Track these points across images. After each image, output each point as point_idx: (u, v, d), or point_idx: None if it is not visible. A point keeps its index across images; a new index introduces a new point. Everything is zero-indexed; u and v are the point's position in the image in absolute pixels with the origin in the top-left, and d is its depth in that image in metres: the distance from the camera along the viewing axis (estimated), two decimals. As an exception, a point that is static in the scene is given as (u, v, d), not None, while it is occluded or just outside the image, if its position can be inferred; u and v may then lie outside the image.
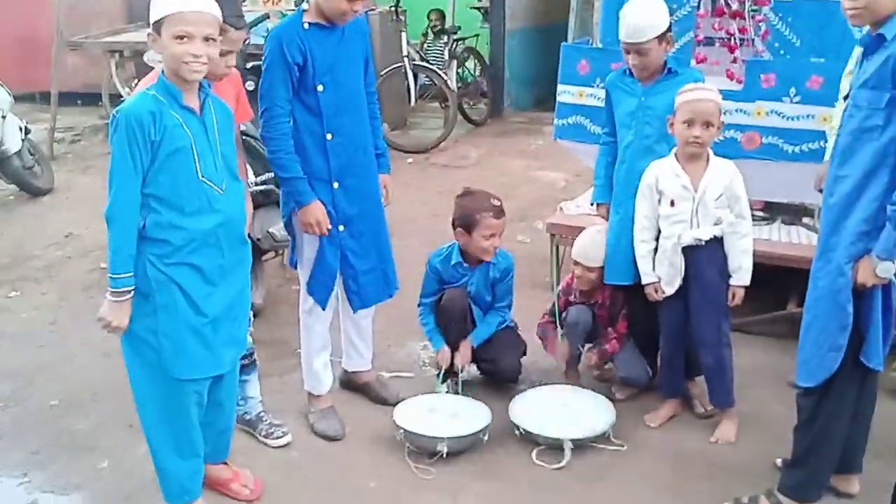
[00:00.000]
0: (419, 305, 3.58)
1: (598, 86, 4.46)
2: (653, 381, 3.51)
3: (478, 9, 9.40)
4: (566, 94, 4.65)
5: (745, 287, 3.15)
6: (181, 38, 2.28)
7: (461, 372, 3.47)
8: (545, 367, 3.69)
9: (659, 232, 3.20)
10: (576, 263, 3.49)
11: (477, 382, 3.63)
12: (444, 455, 3.00)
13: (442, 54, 8.36)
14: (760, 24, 4.21)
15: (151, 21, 2.33)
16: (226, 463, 2.81)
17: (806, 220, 4.34)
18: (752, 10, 4.18)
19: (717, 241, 3.11)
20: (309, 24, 2.97)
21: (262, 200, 4.00)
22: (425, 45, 8.71)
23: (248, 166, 3.95)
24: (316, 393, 3.30)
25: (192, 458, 2.57)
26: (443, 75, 7.64)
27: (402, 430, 3.06)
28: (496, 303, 3.57)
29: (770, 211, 4.56)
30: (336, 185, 3.09)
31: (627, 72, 3.32)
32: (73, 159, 7.69)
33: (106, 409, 3.46)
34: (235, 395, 2.76)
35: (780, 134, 4.10)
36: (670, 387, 3.37)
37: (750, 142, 4.21)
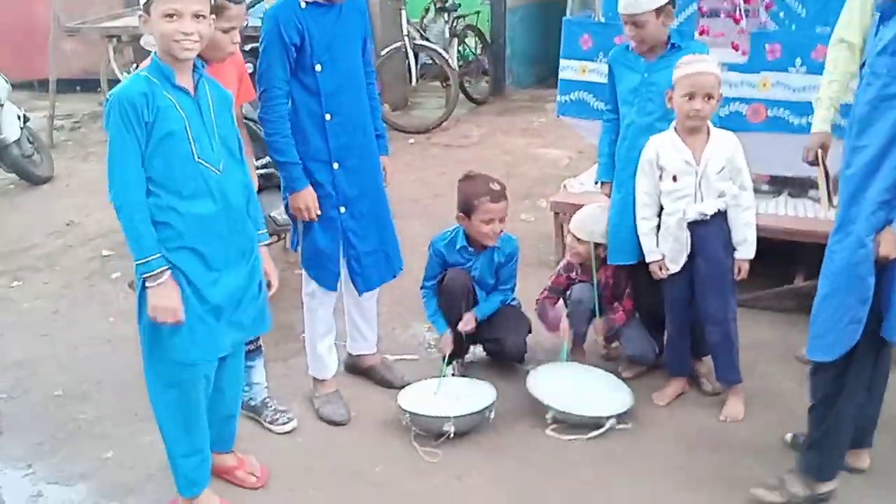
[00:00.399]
0: (422, 288, 3.55)
1: (600, 60, 4.39)
2: (659, 359, 3.47)
3: (478, -15, 9.30)
4: (568, 69, 4.58)
5: (750, 260, 3.12)
6: (170, 16, 2.24)
7: (466, 354, 3.43)
8: (550, 347, 3.66)
9: (661, 208, 3.15)
10: (572, 237, 3.47)
11: (482, 364, 3.61)
12: (451, 436, 2.98)
13: (442, 32, 8.27)
14: (765, -7, 4.13)
15: (142, 2, 2.29)
16: (231, 451, 2.79)
17: (812, 192, 4.29)
18: (757, -20, 4.11)
19: (721, 215, 3.07)
20: (306, 2, 2.92)
21: (263, 184, 3.95)
22: (425, 23, 8.62)
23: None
24: (320, 377, 3.28)
25: (201, 448, 2.55)
26: (443, 54, 7.56)
27: (407, 414, 3.04)
28: (499, 285, 3.53)
29: (776, 184, 4.51)
30: (336, 165, 3.05)
31: (630, 47, 3.26)
32: (72, 147, 7.65)
33: (110, 399, 3.44)
34: (240, 381, 2.73)
35: (786, 106, 4.04)
36: (677, 365, 3.34)
37: (755, 114, 4.15)
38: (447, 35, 8.20)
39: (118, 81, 7.44)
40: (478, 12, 8.93)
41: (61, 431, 3.24)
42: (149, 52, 2.55)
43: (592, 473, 2.85)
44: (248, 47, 5.68)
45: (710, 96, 2.97)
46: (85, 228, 5.46)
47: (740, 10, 4.14)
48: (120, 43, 7.82)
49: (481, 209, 3.32)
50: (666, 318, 3.31)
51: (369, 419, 3.20)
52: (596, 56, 4.43)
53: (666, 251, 3.15)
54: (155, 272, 2.30)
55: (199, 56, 2.37)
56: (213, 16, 2.38)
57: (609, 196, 3.43)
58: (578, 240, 3.43)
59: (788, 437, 2.96)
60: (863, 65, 2.55)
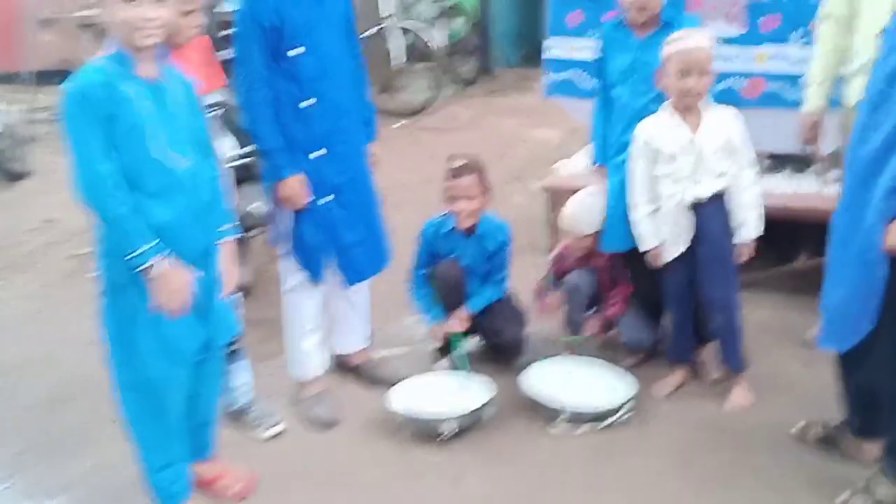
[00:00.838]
0: (411, 277, 3.42)
1: (589, 38, 4.25)
2: (658, 347, 3.35)
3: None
4: (555, 48, 4.43)
5: (752, 242, 3.00)
6: (129, 0, 2.08)
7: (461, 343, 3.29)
8: (546, 336, 3.54)
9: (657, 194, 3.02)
10: (565, 233, 3.31)
11: (477, 356, 3.47)
12: (448, 436, 2.85)
13: (427, 12, 8.08)
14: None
15: None
16: (212, 459, 2.65)
17: (813, 168, 4.16)
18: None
19: (721, 196, 2.94)
20: None
21: (241, 176, 3.80)
22: (410, 3, 8.42)
23: (224, 142, 3.77)
24: (305, 378, 3.14)
25: (178, 459, 2.41)
26: (428, 34, 7.38)
27: (400, 416, 2.91)
28: (491, 274, 3.40)
29: (776, 161, 4.37)
30: (321, 153, 2.91)
31: (625, 20, 3.11)
32: (52, 140, 7.44)
33: (92, 404, 3.29)
34: (217, 386, 2.59)
35: (785, 79, 3.91)
36: (679, 354, 3.21)
37: (753, 89, 4.01)
38: (433, 15, 8.01)
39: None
40: (464, -9, 8.74)
41: (43, 440, 3.10)
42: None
43: (594, 475, 2.72)
44: (223, 33, 5.51)
45: (703, 72, 2.82)
46: (65, 225, 5.29)
47: (735, -21, 3.98)
48: (97, 32, 7.61)
49: (446, 187, 3.24)
50: (666, 305, 3.18)
51: (359, 420, 3.06)
52: (584, 33, 4.28)
53: (665, 236, 3.01)
54: (157, 259, 2.15)
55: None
56: None
57: (606, 179, 3.28)
58: (581, 237, 3.29)
59: (796, 429, 2.84)
60: (881, 32, 2.40)
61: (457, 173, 3.23)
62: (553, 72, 4.46)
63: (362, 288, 3.25)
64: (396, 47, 7.41)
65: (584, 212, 3.29)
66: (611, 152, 3.19)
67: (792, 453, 2.74)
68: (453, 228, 3.32)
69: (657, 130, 2.94)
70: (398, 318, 3.86)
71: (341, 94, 2.95)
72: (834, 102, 3.25)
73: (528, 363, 3.23)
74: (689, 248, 2.99)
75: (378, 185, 3.20)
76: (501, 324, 3.34)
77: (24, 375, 3.58)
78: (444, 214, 3.35)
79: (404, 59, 7.61)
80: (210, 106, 3.74)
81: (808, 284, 3.87)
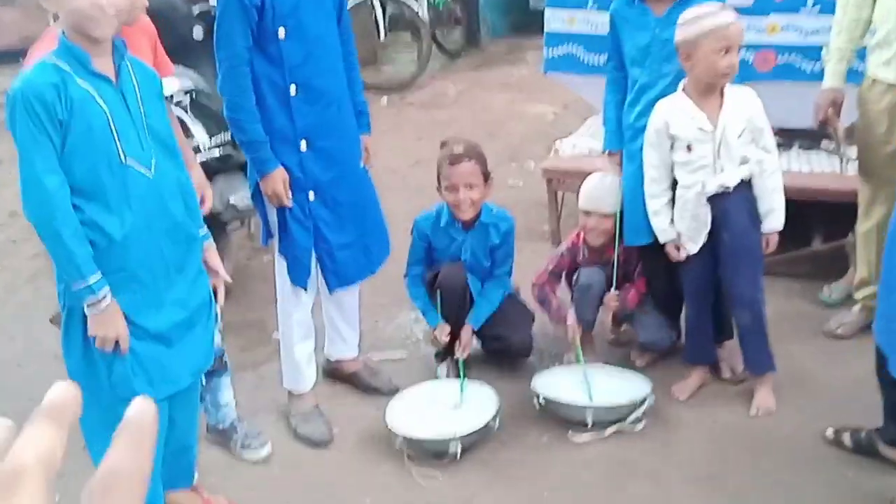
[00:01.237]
0: (406, 276, 3.16)
1: (591, 8, 3.98)
2: (676, 345, 3.12)
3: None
4: (555, 20, 4.15)
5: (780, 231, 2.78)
6: None
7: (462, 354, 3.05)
8: (553, 334, 3.29)
9: (674, 182, 2.77)
10: (587, 213, 3.05)
11: (479, 360, 3.23)
12: (458, 456, 2.60)
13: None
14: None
15: None
16: (194, 488, 2.40)
17: (825, 143, 3.92)
18: None
19: (745, 183, 2.70)
20: None
21: (220, 166, 3.52)
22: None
23: (197, 130, 3.48)
24: (297, 391, 2.88)
25: (153, 497, 2.14)
26: (413, 4, 7.04)
27: (400, 438, 2.66)
28: (495, 269, 3.13)
29: (785, 137, 4.13)
30: (304, 146, 2.64)
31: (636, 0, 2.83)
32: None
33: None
34: (195, 409, 2.32)
35: (797, 51, 3.66)
36: (698, 354, 2.98)
37: (763, 62, 3.76)
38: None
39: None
40: (447, -43, 8.37)
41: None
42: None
43: (612, 490, 2.49)
44: (197, 9, 5.18)
45: (737, 49, 2.59)
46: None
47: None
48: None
49: (443, 175, 2.97)
50: (685, 302, 2.95)
51: (354, 436, 2.81)
52: (585, 4, 4.00)
53: (683, 229, 2.77)
54: (98, 297, 1.90)
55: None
56: None
57: (619, 166, 3.02)
58: (603, 215, 3.01)
59: (830, 432, 2.63)
60: None
61: (455, 160, 2.95)
62: (551, 46, 4.18)
63: (352, 293, 2.99)
64: (379, 19, 7.08)
65: (604, 188, 3.04)
66: (626, 138, 2.93)
67: (826, 464, 2.52)
68: (452, 221, 3.06)
69: (673, 115, 2.69)
70: (395, 316, 3.60)
71: (329, 82, 2.67)
72: (851, 76, 3.04)
73: (534, 367, 2.99)
74: (709, 242, 2.75)
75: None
76: (508, 330, 3.09)
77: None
78: (441, 205, 3.09)
79: (388, 29, 7.28)
80: (178, 93, 3.49)
81: (824, 269, 3.69)
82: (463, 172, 2.94)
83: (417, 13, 7.03)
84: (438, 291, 3.00)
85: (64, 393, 0.49)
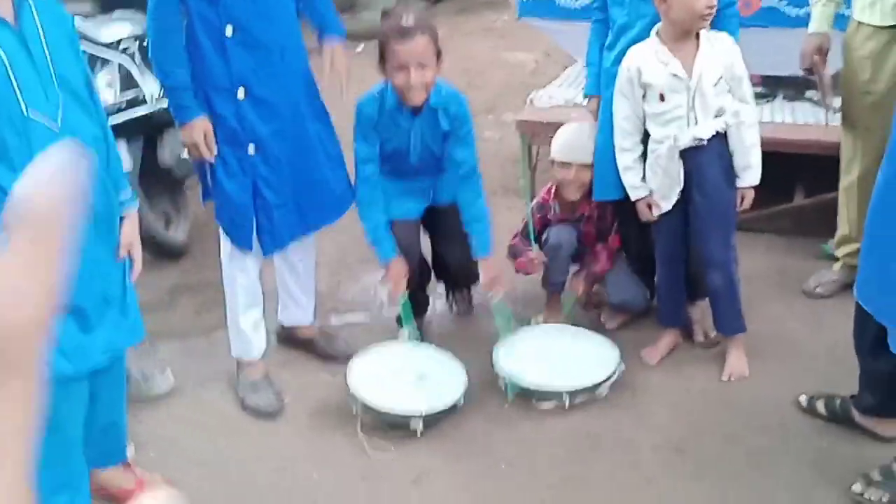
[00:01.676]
0: (358, 178, 2.76)
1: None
2: (649, 305, 2.98)
3: None
4: (528, -39, 3.93)
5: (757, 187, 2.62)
6: None
7: (426, 311, 2.86)
8: (523, 296, 3.15)
9: (646, 135, 2.59)
10: (564, 165, 2.87)
11: (440, 323, 3.10)
12: (419, 433, 2.47)
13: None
14: None
15: None
16: (126, 466, 2.26)
17: (810, 93, 3.74)
18: None
19: (720, 137, 2.53)
20: None
21: (170, 119, 3.33)
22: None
23: (145, 80, 3.29)
24: (246, 359, 2.74)
25: (72, 483, 1.99)
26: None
27: (360, 404, 2.51)
28: (458, 168, 2.77)
29: (769, 86, 3.95)
30: (241, 94, 2.45)
31: None
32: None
33: None
34: (119, 386, 2.15)
35: (784, -6, 3.46)
36: (670, 315, 2.84)
37: (746, 7, 3.53)
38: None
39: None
40: None
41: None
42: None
43: (576, 466, 2.36)
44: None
45: None
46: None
47: None
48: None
49: (389, 52, 2.57)
50: (657, 262, 2.80)
51: (307, 407, 2.67)
52: (560, -57, 3.78)
53: (655, 187, 2.61)
54: None
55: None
56: None
57: (595, 114, 2.82)
58: (582, 166, 2.83)
59: (804, 399, 2.50)
60: None
61: (405, 34, 2.53)
62: (526, -12, 3.97)
63: (306, 254, 2.83)
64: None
65: (581, 137, 2.86)
66: (604, 82, 2.73)
67: (799, 432, 2.40)
68: (398, 106, 2.66)
69: (646, 62, 2.50)
70: (359, 277, 3.46)
71: (270, 25, 2.46)
72: (838, 21, 2.86)
73: (498, 333, 2.83)
74: (682, 199, 2.60)
75: (335, 121, 2.73)
76: (452, 247, 2.86)
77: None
78: (382, 86, 2.67)
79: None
80: (127, 40, 3.29)
81: (806, 224, 3.54)
82: (414, 50, 2.53)
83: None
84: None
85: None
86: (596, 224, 2.95)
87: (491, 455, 2.41)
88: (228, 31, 2.40)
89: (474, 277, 2.95)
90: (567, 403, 2.55)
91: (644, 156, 2.61)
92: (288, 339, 2.97)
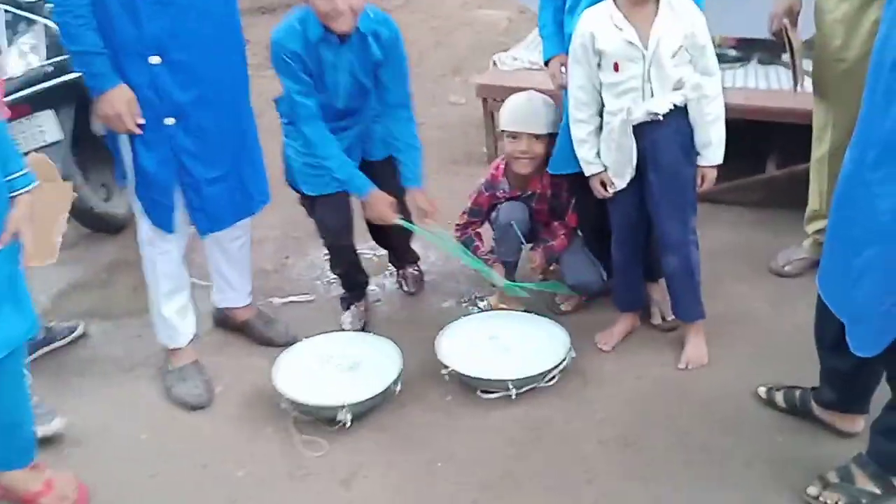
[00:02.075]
0: (299, 118, 2.46)
1: None
2: (607, 286, 2.82)
3: None
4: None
5: (715, 169, 2.43)
6: None
7: (364, 293, 2.70)
8: (473, 276, 2.99)
9: (603, 107, 2.41)
10: (514, 137, 2.68)
11: (382, 309, 2.94)
12: (347, 425, 2.31)
13: None
14: None
15: None
16: (34, 467, 2.09)
17: (786, 57, 3.55)
18: None
19: (679, 111, 2.34)
20: None
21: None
22: None
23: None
24: (173, 346, 2.58)
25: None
26: None
27: (285, 399, 2.37)
28: (391, 103, 2.56)
29: (743, 49, 3.76)
30: (156, 59, 2.24)
31: None
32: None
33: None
34: (17, 383, 1.96)
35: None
36: (626, 299, 2.69)
37: (721, -36, 3.34)
38: None
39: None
40: None
41: None
42: None
43: (515, 462, 2.21)
44: None
45: None
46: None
47: None
48: None
49: None
50: (612, 243, 2.63)
51: (238, 397, 2.51)
52: None
53: (609, 163, 2.43)
54: None
55: None
56: None
57: (564, 69, 2.57)
58: (534, 136, 2.65)
59: (762, 391, 2.36)
60: None
61: None
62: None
63: (240, 235, 2.65)
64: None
65: (530, 104, 2.67)
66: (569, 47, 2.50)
67: (756, 426, 2.26)
68: (324, 34, 2.40)
69: (600, 28, 2.30)
70: (307, 252, 3.29)
71: None
72: None
73: (444, 315, 2.68)
74: (639, 177, 2.42)
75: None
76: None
77: None
78: (302, 13, 2.41)
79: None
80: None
81: (777, 196, 3.37)
82: None
83: None
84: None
85: None
86: (549, 202, 2.78)
87: (429, 450, 2.27)
88: None
89: (415, 255, 2.80)
90: (513, 394, 2.41)
91: (601, 128, 2.43)
92: (224, 321, 2.81)
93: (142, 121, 2.26)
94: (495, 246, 2.80)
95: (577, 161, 2.51)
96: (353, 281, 2.80)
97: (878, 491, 1.96)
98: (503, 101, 3.64)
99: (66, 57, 3.08)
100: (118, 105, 2.22)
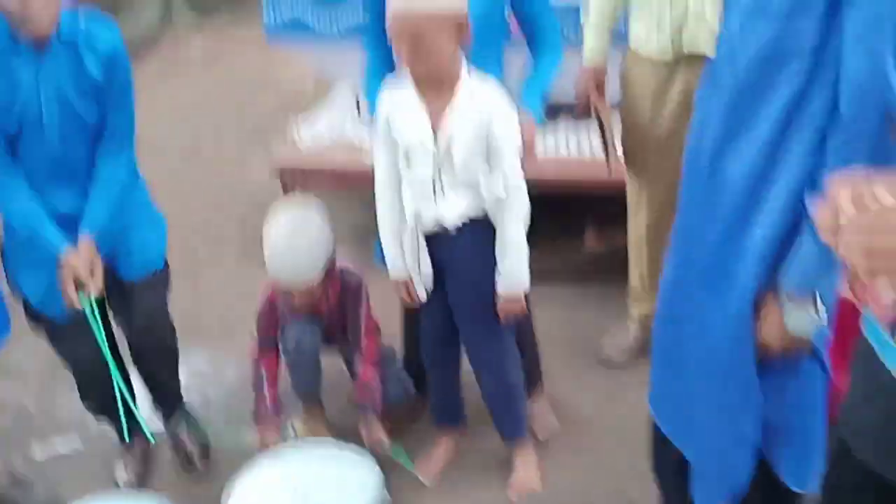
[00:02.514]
0: None
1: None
2: (419, 401, 2.48)
3: None
4: (272, -27, 3.35)
5: (522, 294, 2.06)
6: None
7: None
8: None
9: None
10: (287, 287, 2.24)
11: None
12: None
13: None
14: None
15: None
16: None
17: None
18: None
19: (479, 218, 2.00)
20: None
21: None
22: None
23: None
24: None
25: None
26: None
27: None
28: (104, 137, 1.99)
29: (550, 114, 3.54)
30: None
31: None
32: None
33: None
34: None
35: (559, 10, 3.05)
36: (444, 415, 2.37)
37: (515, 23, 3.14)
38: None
39: None
40: None
41: None
42: None
43: None
44: None
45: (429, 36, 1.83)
46: None
47: None
48: None
49: None
50: (421, 351, 2.30)
51: None
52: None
53: (409, 264, 2.09)
54: None
55: None
56: None
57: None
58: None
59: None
60: None
61: None
62: (272, 8, 3.38)
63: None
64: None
65: (298, 251, 2.18)
66: None
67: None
68: (11, 40, 1.85)
69: (396, 110, 1.97)
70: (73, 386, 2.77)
71: None
72: (617, 37, 2.46)
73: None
74: (440, 287, 2.11)
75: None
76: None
77: None
78: None
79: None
80: None
81: (600, 269, 3.17)
82: None
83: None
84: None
85: None
86: (340, 315, 2.37)
87: None
88: None
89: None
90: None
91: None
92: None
93: None
94: (290, 375, 2.40)
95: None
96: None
97: None
98: (308, 183, 3.33)
99: None
100: None
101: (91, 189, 2.01)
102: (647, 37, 2.32)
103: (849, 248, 0.83)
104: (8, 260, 2.10)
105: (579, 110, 2.53)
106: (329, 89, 3.93)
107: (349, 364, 2.45)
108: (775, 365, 1.43)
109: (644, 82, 2.38)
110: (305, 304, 2.27)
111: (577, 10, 2.85)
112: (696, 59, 2.19)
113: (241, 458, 2.30)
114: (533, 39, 2.24)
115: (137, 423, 2.12)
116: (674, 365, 1.66)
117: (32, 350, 2.72)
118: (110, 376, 2.03)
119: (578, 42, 2.71)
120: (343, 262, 2.36)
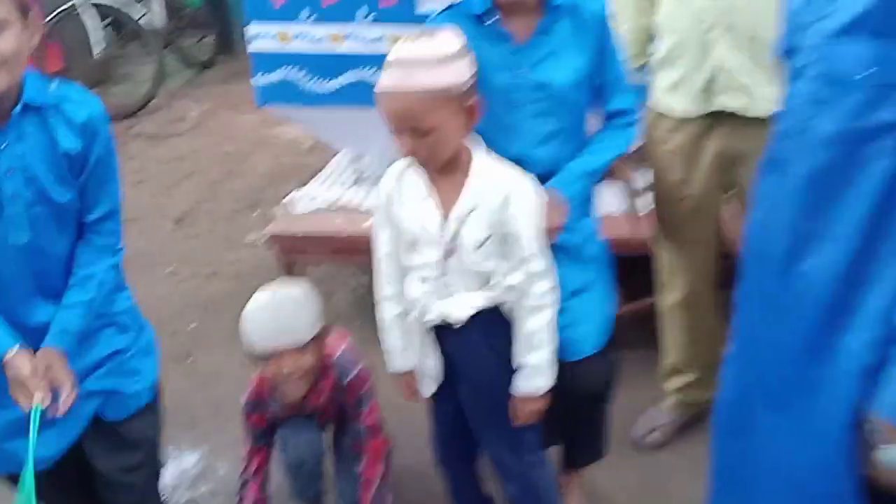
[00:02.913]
0: None
1: (306, 20, 3.03)
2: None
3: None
4: (261, 38, 3.16)
5: (542, 395, 1.76)
6: None
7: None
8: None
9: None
10: (266, 360, 1.97)
11: None
12: None
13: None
14: None
15: None
16: None
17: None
18: None
19: (492, 311, 1.73)
20: None
21: None
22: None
23: None
24: None
25: None
26: (133, 11, 5.82)
27: None
28: (86, 220, 1.65)
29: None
30: None
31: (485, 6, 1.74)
32: None
33: None
34: None
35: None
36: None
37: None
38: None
39: None
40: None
41: None
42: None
43: None
44: None
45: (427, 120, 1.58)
46: None
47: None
48: None
49: None
50: (434, 451, 2.03)
51: None
52: (296, 14, 3.05)
53: (416, 358, 1.83)
54: None
55: None
56: None
57: None
58: (298, 350, 1.95)
59: None
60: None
61: None
62: (263, 72, 3.18)
63: None
64: (94, 30, 5.80)
65: (283, 311, 1.95)
66: None
67: None
68: None
69: (400, 191, 1.73)
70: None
71: None
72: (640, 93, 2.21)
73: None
74: (450, 385, 1.84)
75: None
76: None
77: None
78: None
79: (104, 45, 6.00)
80: None
81: (632, 336, 2.90)
82: None
83: (139, 21, 5.81)
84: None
85: None
86: (338, 408, 2.12)
87: None
88: None
89: None
90: None
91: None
92: None
93: None
94: (289, 483, 2.12)
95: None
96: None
97: None
98: (305, 252, 3.10)
99: None
100: None
101: (66, 290, 1.67)
102: (672, 90, 2.10)
103: None
104: None
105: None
106: (325, 150, 3.73)
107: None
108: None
109: (673, 140, 2.15)
110: (294, 398, 1.99)
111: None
112: (727, 118, 1.99)
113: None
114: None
115: None
116: (736, 484, 1.39)
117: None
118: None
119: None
120: (342, 345, 2.10)
